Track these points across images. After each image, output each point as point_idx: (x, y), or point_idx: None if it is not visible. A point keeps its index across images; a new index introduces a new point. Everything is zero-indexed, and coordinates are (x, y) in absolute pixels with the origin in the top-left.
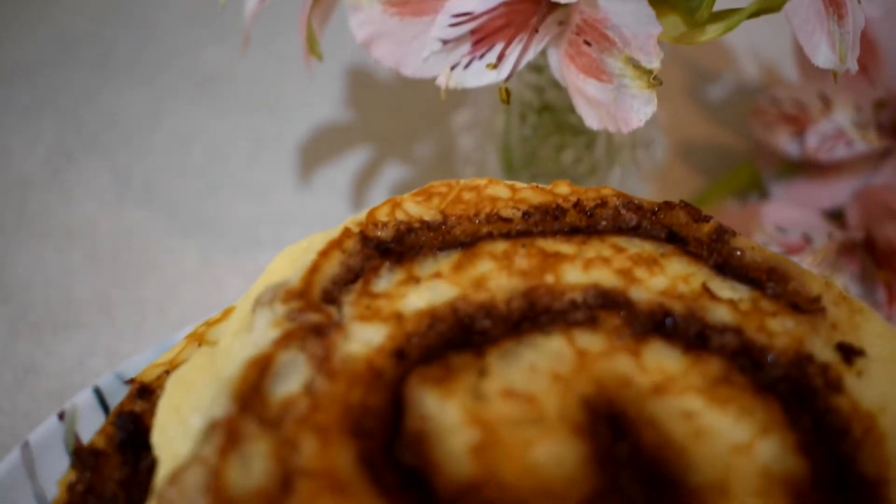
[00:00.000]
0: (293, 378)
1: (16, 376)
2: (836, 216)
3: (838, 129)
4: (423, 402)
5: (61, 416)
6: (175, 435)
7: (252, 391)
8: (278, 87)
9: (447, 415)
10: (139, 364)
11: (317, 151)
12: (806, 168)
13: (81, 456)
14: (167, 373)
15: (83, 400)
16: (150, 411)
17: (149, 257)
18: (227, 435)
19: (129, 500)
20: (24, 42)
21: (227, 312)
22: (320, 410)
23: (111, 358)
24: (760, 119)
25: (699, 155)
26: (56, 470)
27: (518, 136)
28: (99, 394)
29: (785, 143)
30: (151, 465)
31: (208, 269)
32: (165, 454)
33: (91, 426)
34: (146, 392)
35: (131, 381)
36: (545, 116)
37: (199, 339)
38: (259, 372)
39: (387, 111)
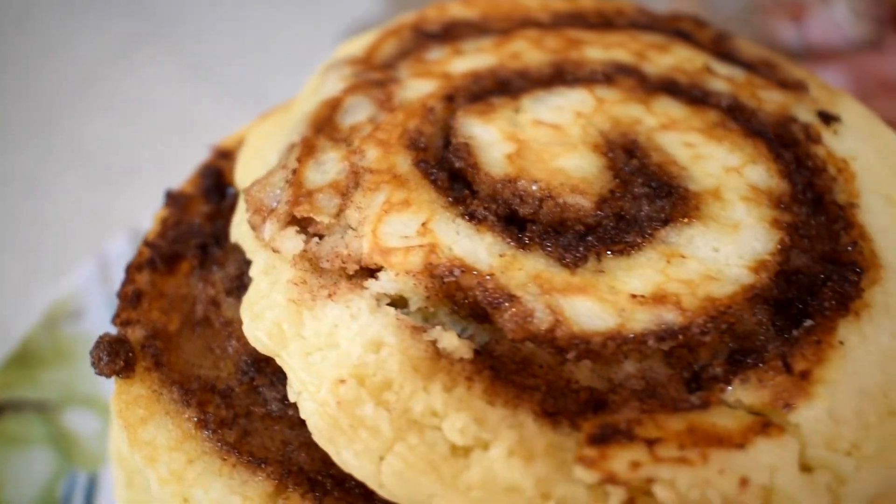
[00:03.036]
0: (360, 113)
1: (90, 221)
2: None
3: (836, 17)
4: (469, 127)
5: (129, 234)
6: (257, 169)
7: (325, 120)
8: None
9: (488, 134)
10: None
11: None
12: (805, 56)
13: (173, 196)
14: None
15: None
16: (230, 168)
17: (207, 126)
18: (305, 148)
19: (213, 228)
20: None
21: (291, 103)
22: (382, 131)
23: None
24: (762, 9)
25: None
26: None
27: None
28: None
29: (784, 32)
30: (233, 204)
31: None
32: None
33: None
34: (225, 154)
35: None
36: None
37: (268, 117)
38: (331, 108)
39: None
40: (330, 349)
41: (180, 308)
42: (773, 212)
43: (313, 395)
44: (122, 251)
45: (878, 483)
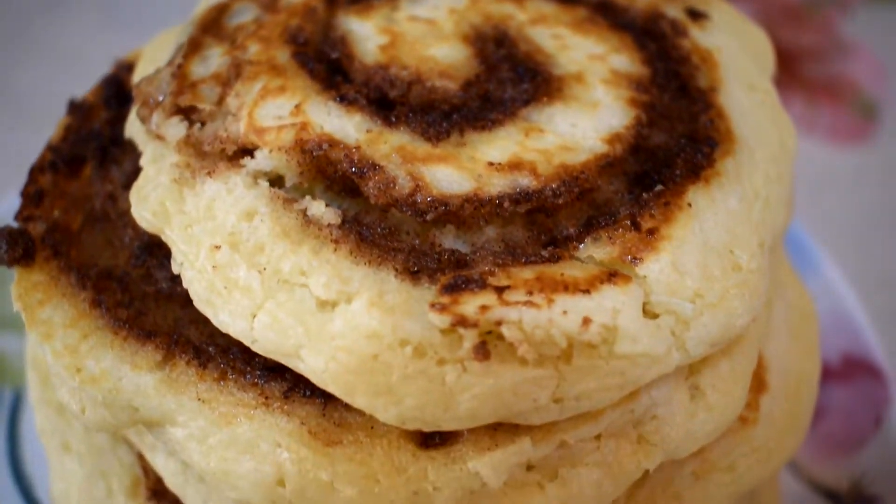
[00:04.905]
0: (245, 15)
1: (15, 162)
2: None
3: None
4: (347, 23)
5: None
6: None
7: (212, 22)
8: None
9: (364, 29)
10: None
11: None
12: None
13: (76, 105)
14: None
15: None
16: (130, 79)
17: None
18: (190, 46)
19: (113, 132)
20: None
21: None
22: (265, 28)
23: None
24: None
25: None
26: None
27: None
28: None
29: None
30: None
31: None
32: None
33: None
34: (128, 67)
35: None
36: None
37: None
38: (218, 11)
39: None
40: (207, 221)
41: (82, 207)
42: (631, 92)
43: (192, 264)
44: None
45: (719, 329)
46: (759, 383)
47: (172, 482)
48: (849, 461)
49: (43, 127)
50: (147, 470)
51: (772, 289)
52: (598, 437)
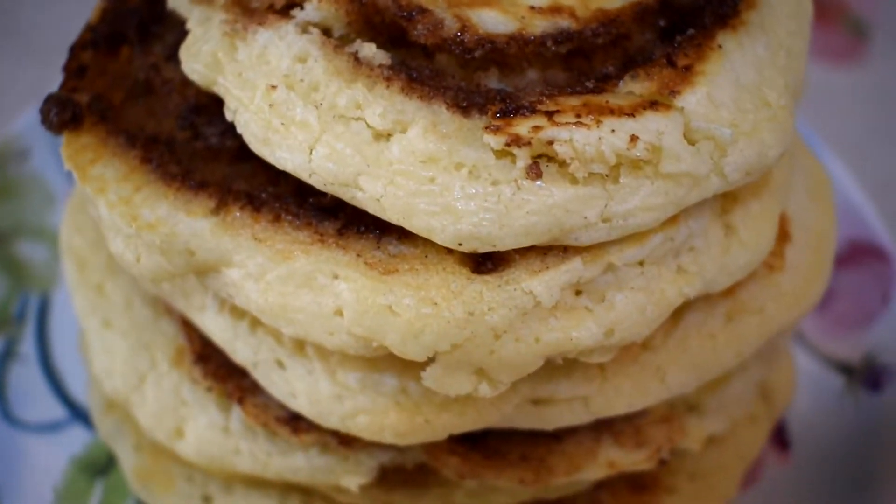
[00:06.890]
0: None
1: (21, 97)
2: None
3: None
4: None
5: None
6: None
7: None
8: None
9: None
10: None
11: None
12: None
13: None
14: None
15: None
16: None
17: None
18: None
19: (152, 12)
20: None
21: None
22: None
23: None
24: None
25: None
26: None
27: None
28: None
29: None
30: None
31: None
32: None
33: None
34: None
35: None
36: None
37: None
38: None
39: None
40: (261, 66)
41: (122, 86)
42: None
43: (247, 107)
44: None
45: (753, 156)
46: (783, 234)
47: (221, 338)
48: (859, 337)
49: (49, 61)
50: (191, 337)
51: (792, 142)
52: (641, 262)
